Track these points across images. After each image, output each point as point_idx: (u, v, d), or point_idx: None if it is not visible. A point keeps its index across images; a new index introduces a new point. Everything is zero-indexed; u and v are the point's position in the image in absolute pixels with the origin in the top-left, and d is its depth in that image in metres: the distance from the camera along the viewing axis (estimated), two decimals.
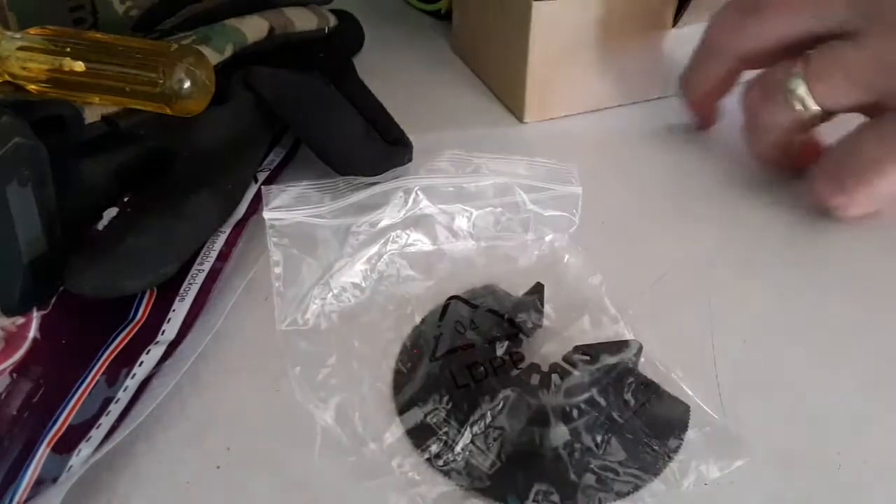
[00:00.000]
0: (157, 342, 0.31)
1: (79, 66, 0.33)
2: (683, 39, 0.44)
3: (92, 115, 0.34)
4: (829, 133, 0.37)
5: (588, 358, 0.29)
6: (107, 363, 0.30)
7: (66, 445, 0.27)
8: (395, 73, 0.50)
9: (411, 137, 0.39)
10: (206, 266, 0.34)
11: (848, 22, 0.33)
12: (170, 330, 0.31)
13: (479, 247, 0.35)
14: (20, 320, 0.31)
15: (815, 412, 0.29)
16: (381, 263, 0.34)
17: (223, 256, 0.34)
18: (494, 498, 0.26)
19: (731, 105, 0.41)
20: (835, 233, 0.38)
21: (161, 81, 0.33)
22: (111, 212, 0.36)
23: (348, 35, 0.50)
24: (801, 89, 0.34)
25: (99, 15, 0.46)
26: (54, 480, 0.26)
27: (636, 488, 0.26)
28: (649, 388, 0.29)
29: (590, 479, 0.26)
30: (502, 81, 0.47)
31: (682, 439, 0.27)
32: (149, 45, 0.35)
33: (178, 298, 0.32)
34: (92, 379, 0.29)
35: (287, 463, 0.28)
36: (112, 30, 0.39)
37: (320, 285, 0.33)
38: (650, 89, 0.48)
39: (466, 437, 0.27)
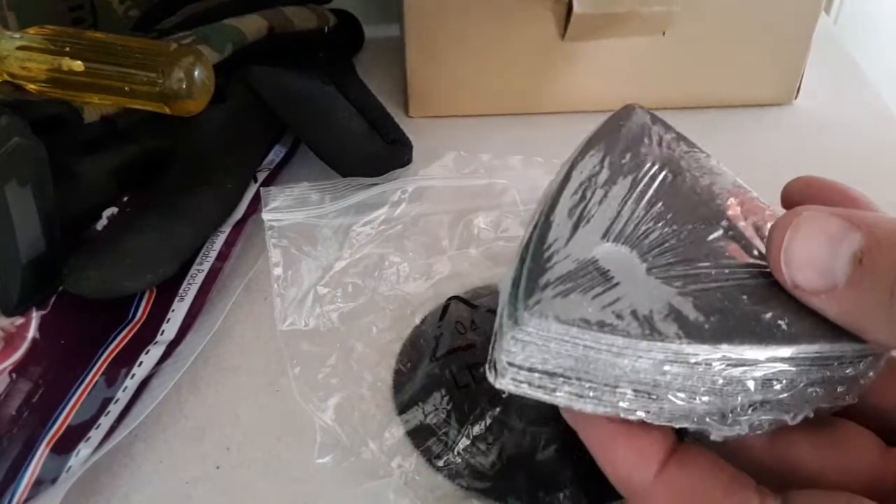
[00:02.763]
0: (157, 342, 0.31)
1: (78, 65, 0.33)
2: (573, 53, 0.42)
3: (91, 114, 0.34)
4: None
5: None
6: (106, 363, 0.30)
7: (66, 446, 0.27)
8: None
9: None
10: (206, 266, 0.34)
11: None
12: (169, 330, 0.31)
13: (479, 247, 0.35)
14: (19, 320, 0.31)
15: None
16: (381, 264, 0.34)
17: (223, 256, 0.34)
18: (495, 498, 0.26)
19: None
20: None
21: (160, 81, 0.33)
22: (111, 212, 0.36)
23: (348, 35, 0.50)
24: None
25: (98, 14, 0.46)
26: (53, 481, 0.26)
27: None
28: None
29: (590, 479, 0.26)
30: (404, 74, 0.46)
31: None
32: (148, 44, 0.35)
33: (177, 298, 0.32)
34: (91, 379, 0.29)
35: (287, 463, 0.28)
36: (111, 29, 0.39)
37: (320, 286, 0.32)
38: (541, 102, 0.45)
39: (467, 437, 0.27)
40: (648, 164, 0.24)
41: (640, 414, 0.20)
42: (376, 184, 0.36)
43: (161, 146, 0.37)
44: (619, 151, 0.25)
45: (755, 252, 0.22)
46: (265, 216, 0.34)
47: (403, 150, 0.38)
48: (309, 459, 0.27)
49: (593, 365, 0.20)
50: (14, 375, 0.29)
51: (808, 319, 0.20)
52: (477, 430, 0.27)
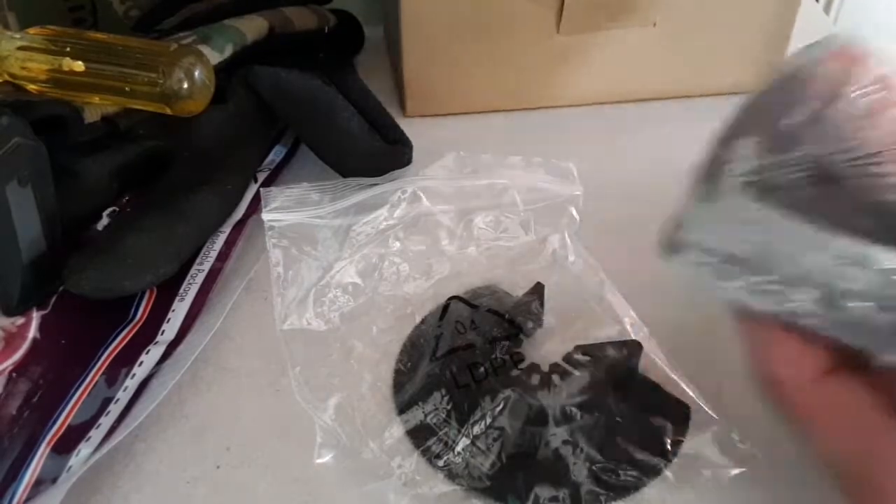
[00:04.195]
0: (157, 342, 0.31)
1: (79, 65, 0.33)
2: (568, 48, 0.43)
3: (92, 114, 0.34)
4: None
5: (588, 358, 0.29)
6: (106, 363, 0.30)
7: (66, 445, 0.27)
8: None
9: None
10: (206, 266, 0.34)
11: None
12: (169, 330, 0.31)
13: (479, 247, 0.35)
14: (20, 320, 0.31)
15: None
16: (381, 264, 0.34)
17: (223, 256, 0.34)
18: (494, 498, 0.26)
19: None
20: None
21: (161, 81, 0.33)
22: (111, 212, 0.36)
23: (348, 35, 0.50)
24: None
25: (99, 15, 0.46)
26: (54, 480, 0.26)
27: (636, 488, 0.26)
28: (650, 389, 0.29)
29: (590, 479, 0.26)
30: (397, 74, 0.46)
31: (682, 440, 0.27)
32: (149, 45, 0.35)
33: (177, 298, 0.32)
34: (92, 379, 0.29)
35: (287, 463, 0.28)
36: (112, 30, 0.39)
37: (320, 286, 0.33)
38: (537, 98, 0.45)
39: (467, 437, 0.27)
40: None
41: (812, 320, 0.19)
42: (376, 184, 0.36)
43: (161, 146, 0.37)
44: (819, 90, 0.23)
45: None
46: (265, 216, 0.34)
47: (404, 150, 0.38)
48: (309, 459, 0.27)
49: (778, 257, 0.19)
50: (15, 375, 0.29)
51: None
52: (477, 429, 0.27)
